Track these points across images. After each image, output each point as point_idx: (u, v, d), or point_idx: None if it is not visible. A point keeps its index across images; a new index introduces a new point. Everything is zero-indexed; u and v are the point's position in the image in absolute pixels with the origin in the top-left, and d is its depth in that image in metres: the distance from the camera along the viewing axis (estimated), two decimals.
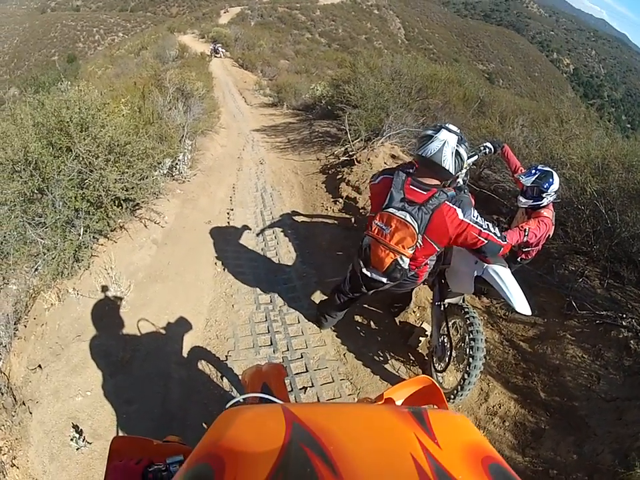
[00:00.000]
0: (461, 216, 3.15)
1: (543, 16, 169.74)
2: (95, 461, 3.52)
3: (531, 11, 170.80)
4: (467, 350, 3.84)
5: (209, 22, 60.52)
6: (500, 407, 4.17)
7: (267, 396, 1.69)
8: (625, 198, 5.47)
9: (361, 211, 7.39)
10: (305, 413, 0.93)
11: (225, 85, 23.31)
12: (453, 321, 4.29)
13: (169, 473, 1.36)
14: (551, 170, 4.44)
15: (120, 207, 5.57)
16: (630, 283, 5.33)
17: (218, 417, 0.97)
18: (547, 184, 4.35)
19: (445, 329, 4.21)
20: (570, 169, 6.05)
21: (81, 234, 5.03)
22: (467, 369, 3.77)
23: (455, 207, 3.15)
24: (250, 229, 7.17)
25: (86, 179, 5.09)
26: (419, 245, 3.31)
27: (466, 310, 4.00)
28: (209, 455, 0.82)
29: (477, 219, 3.19)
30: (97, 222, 5.23)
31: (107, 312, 4.88)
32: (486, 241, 3.22)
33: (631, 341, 4.48)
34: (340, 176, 8.86)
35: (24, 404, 3.75)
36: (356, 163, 8.91)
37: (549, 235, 4.66)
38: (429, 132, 3.17)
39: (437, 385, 1.60)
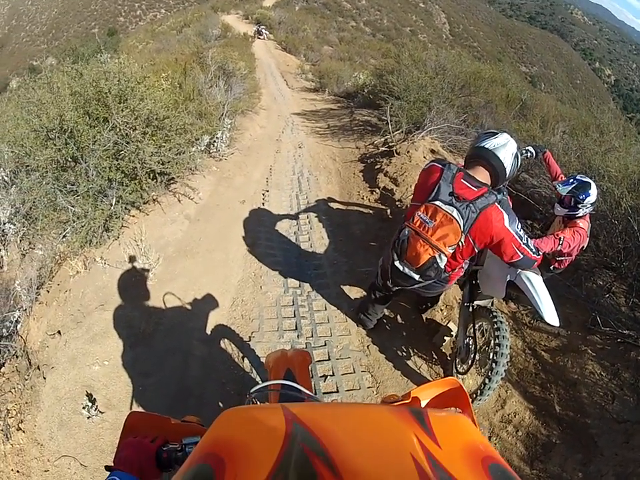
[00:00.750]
0: (506, 223, 3.06)
1: (586, 24, 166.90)
2: (106, 431, 3.53)
3: (575, 18, 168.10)
4: (491, 354, 3.78)
5: (254, 3, 60.32)
6: (515, 416, 4.12)
7: (290, 383, 1.69)
8: None
9: (397, 203, 7.27)
10: (305, 412, 0.93)
11: (267, 66, 23.25)
12: (479, 324, 4.21)
13: (184, 454, 1.36)
14: (589, 181, 4.32)
15: (154, 180, 5.65)
16: None
17: (218, 417, 0.95)
18: (583, 195, 4.25)
19: (472, 330, 4.14)
20: (607, 181, 5.93)
21: (113, 204, 5.07)
22: (489, 374, 3.71)
23: (503, 210, 3.06)
24: (284, 212, 7.14)
25: (122, 150, 5.13)
26: (460, 244, 3.20)
27: (494, 314, 3.92)
28: (209, 455, 0.81)
29: (520, 230, 3.13)
30: (130, 193, 5.27)
31: (132, 283, 4.90)
32: (522, 256, 3.17)
33: None
34: (378, 166, 8.75)
35: (38, 368, 3.80)
36: (395, 154, 8.78)
37: (583, 247, 4.57)
38: (492, 130, 3.19)
39: (464, 387, 1.55)
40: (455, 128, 9.37)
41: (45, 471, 3.27)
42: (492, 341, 3.83)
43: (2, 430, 3.32)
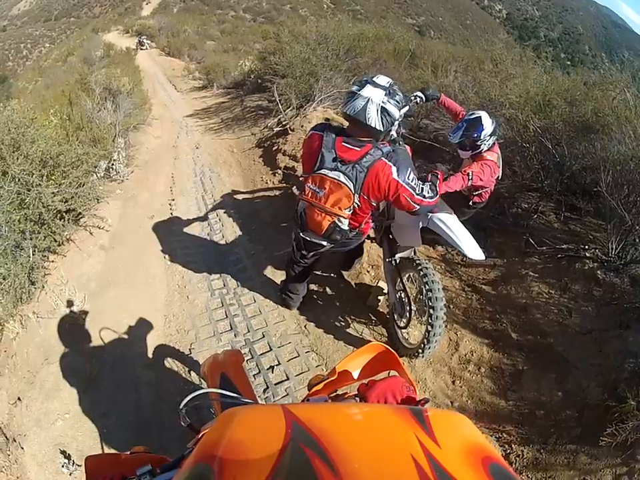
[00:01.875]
0: (394, 175, 3.11)
1: None
2: None
3: None
4: (426, 301, 3.80)
5: (132, 16, 59.60)
6: (472, 354, 4.20)
7: (218, 390, 1.69)
8: (571, 132, 5.52)
9: (300, 179, 7.30)
10: (305, 412, 0.91)
11: (154, 75, 22.97)
12: (407, 275, 4.25)
13: None
14: (478, 115, 4.37)
15: (62, 220, 5.48)
16: (588, 214, 5.42)
17: (218, 417, 0.98)
18: (476, 132, 4.32)
19: (400, 284, 4.20)
20: (509, 108, 6.07)
21: (31, 255, 4.93)
22: (430, 320, 3.75)
23: (390, 163, 3.10)
24: (194, 216, 7.11)
25: (25, 199, 5.00)
26: (356, 205, 3.29)
27: (417, 262, 3.97)
28: (208, 455, 0.80)
29: (411, 181, 3.17)
30: (43, 240, 5.14)
31: (67, 329, 4.79)
32: (417, 206, 3.27)
33: (598, 272, 4.54)
34: (276, 147, 8.86)
35: (14, 440, 3.69)
36: (290, 131, 8.91)
37: (498, 177, 4.68)
38: (354, 88, 3.09)
39: (391, 349, 1.60)
40: (345, 92, 9.26)
41: None
42: (423, 288, 3.84)
43: None
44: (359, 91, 3.02)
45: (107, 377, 4.28)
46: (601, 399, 3.46)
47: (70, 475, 3.50)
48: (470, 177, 4.35)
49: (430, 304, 3.73)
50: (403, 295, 4.18)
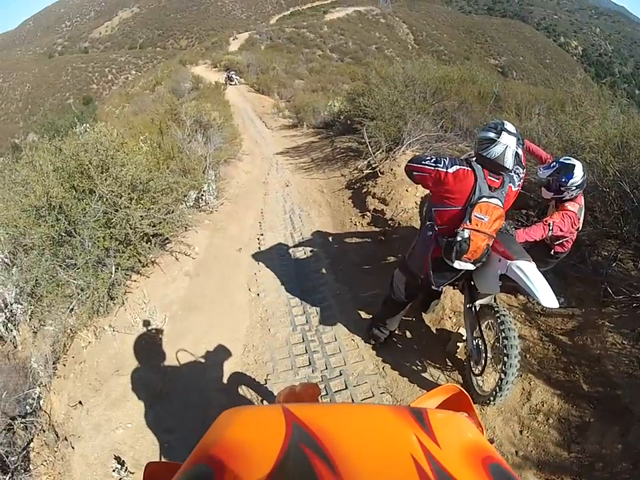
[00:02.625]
0: (513, 187, 3.69)
1: (544, 0, 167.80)
2: None
3: None
4: (502, 349, 3.78)
5: (219, 50, 60.85)
6: (543, 405, 4.08)
7: None
8: None
9: (389, 222, 7.36)
10: (304, 413, 0.93)
11: (244, 111, 23.52)
12: (485, 322, 4.23)
13: None
14: (574, 163, 4.36)
15: (149, 243, 5.68)
16: None
17: (217, 417, 0.98)
18: (565, 177, 4.32)
19: (479, 331, 4.18)
20: (589, 152, 5.93)
21: (113, 272, 5.11)
22: (503, 368, 3.73)
23: (510, 184, 3.64)
24: (281, 252, 7.21)
25: (112, 219, 5.19)
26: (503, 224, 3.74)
27: (496, 309, 3.96)
28: (208, 455, 0.82)
29: (517, 179, 3.78)
30: (127, 259, 5.31)
31: (143, 346, 4.94)
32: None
33: None
34: (365, 189, 8.89)
35: (66, 439, 3.83)
36: (379, 174, 8.92)
37: (579, 228, 4.65)
38: (491, 135, 3.45)
39: (464, 391, 1.57)
40: (434, 136, 9.44)
41: None
42: (500, 336, 3.83)
43: None
44: (498, 138, 3.41)
45: (178, 396, 4.39)
46: None
47: (119, 479, 3.59)
48: (550, 227, 4.38)
49: (505, 352, 3.71)
50: (480, 342, 4.16)
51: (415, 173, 3.78)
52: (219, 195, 8.71)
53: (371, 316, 5.31)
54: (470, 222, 3.46)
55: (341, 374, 4.68)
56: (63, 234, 4.97)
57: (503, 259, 3.68)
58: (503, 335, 3.75)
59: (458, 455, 0.84)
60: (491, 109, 11.29)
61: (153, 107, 21.40)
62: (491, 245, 3.62)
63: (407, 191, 7.67)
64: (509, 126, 3.45)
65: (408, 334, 5.15)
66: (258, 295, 6.03)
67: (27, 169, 5.38)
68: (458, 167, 3.53)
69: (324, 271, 6.64)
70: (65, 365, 4.45)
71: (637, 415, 3.70)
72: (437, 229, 3.78)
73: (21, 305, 4.69)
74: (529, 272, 3.50)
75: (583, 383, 4.17)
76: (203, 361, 4.86)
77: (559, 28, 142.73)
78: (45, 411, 4.00)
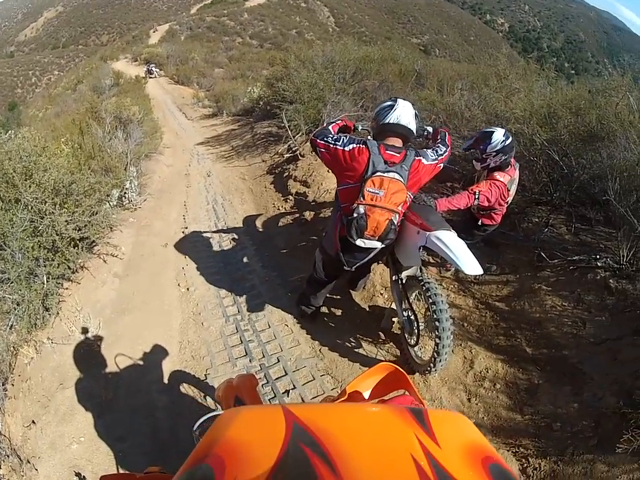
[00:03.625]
0: (425, 162, 3.59)
1: None
2: None
3: None
4: (432, 315, 3.83)
5: (140, 44, 60.00)
6: (487, 371, 4.18)
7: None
8: (577, 142, 5.57)
9: (312, 204, 7.46)
10: (304, 412, 0.92)
11: (164, 104, 23.21)
12: (413, 294, 4.33)
13: None
14: (491, 130, 4.48)
15: (76, 247, 5.56)
16: (598, 223, 5.41)
17: (218, 418, 0.96)
18: (482, 145, 4.45)
19: (407, 302, 4.25)
20: (515, 123, 6.11)
21: (45, 282, 5.01)
22: (437, 333, 3.77)
23: (421, 157, 3.57)
24: (207, 244, 7.17)
25: (39, 227, 5.09)
26: (407, 199, 3.63)
27: (420, 279, 4.03)
28: (208, 455, 0.80)
29: (433, 156, 3.68)
30: (57, 267, 5.20)
31: (82, 355, 4.83)
32: (442, 165, 3.81)
33: (610, 280, 4.56)
34: (287, 173, 8.93)
35: (28, 462, 3.74)
36: (300, 157, 8.99)
37: (508, 201, 4.78)
38: (388, 103, 3.62)
39: (400, 368, 1.60)
40: (354, 115, 9.40)
41: None
42: (427, 303, 3.90)
43: None
44: (395, 103, 3.56)
45: (122, 402, 4.32)
46: (617, 407, 3.44)
47: None
48: (477, 196, 4.46)
49: (435, 316, 3.77)
50: (410, 313, 4.24)
51: (318, 148, 3.80)
52: (141, 191, 8.67)
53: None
54: (364, 198, 3.51)
55: (278, 360, 4.69)
56: None
57: (422, 230, 3.73)
58: (431, 300, 3.81)
59: (458, 455, 0.84)
60: (412, 86, 11.39)
61: (75, 106, 21.04)
62: (396, 220, 3.62)
63: (328, 172, 7.68)
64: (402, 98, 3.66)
65: (341, 313, 5.22)
66: (188, 289, 5.98)
67: None
68: (354, 145, 3.56)
69: (251, 258, 6.65)
70: (13, 385, 4.33)
71: (588, 374, 3.85)
72: (341, 207, 3.84)
73: None
74: (449, 241, 3.55)
75: (525, 346, 4.34)
76: (141, 363, 4.81)
77: (485, 6, 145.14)
78: (5, 435, 3.89)
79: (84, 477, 3.68)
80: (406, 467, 0.76)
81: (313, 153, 4.11)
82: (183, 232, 7.63)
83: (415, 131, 3.65)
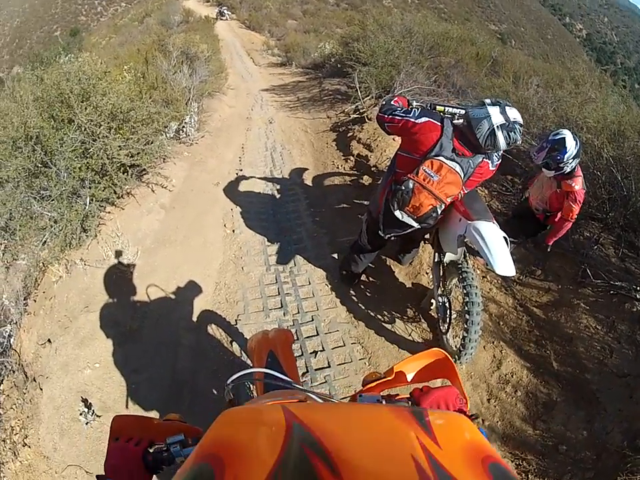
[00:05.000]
0: (490, 166, 3.46)
1: None
2: (105, 435, 3.42)
3: None
4: (464, 306, 3.77)
5: None
6: (512, 376, 4.09)
7: (269, 371, 1.67)
8: None
9: (372, 169, 7.23)
10: (305, 412, 0.93)
11: (232, 46, 23.01)
12: (453, 279, 4.22)
13: (170, 454, 1.34)
14: (562, 136, 4.22)
15: (126, 174, 5.55)
16: None
17: (218, 417, 0.95)
18: (559, 155, 4.19)
19: (445, 288, 4.21)
20: (586, 132, 5.89)
21: (87, 204, 5.00)
22: (465, 326, 3.74)
23: (488, 160, 3.43)
24: (260, 190, 7.06)
25: (89, 149, 5.06)
26: (460, 195, 3.55)
27: (460, 266, 3.92)
28: (208, 455, 0.80)
29: (497, 159, 3.50)
30: (102, 190, 5.19)
31: (114, 281, 4.82)
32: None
33: None
34: (351, 134, 8.66)
35: (34, 380, 3.76)
36: (367, 120, 8.72)
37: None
38: (489, 107, 3.25)
39: (450, 358, 1.59)
40: (426, 89, 9.23)
41: None
42: (462, 292, 3.82)
43: (10, 448, 3.30)
44: (490, 112, 3.21)
45: (147, 334, 4.32)
46: (621, 446, 3.38)
47: (86, 424, 3.55)
48: (573, 218, 4.47)
49: (466, 308, 3.70)
50: (445, 300, 4.16)
51: (385, 124, 3.70)
52: (200, 128, 8.54)
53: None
54: (417, 174, 3.40)
55: (312, 319, 4.63)
56: (39, 165, 4.84)
57: (463, 219, 3.65)
58: (465, 291, 3.74)
59: (458, 455, 0.82)
60: (487, 71, 11.13)
61: (140, 38, 20.99)
62: (440, 209, 3.52)
63: (393, 139, 7.45)
64: (512, 112, 3.24)
65: (383, 285, 5.08)
66: (233, 231, 5.91)
67: (7, 100, 5.30)
68: (427, 118, 3.43)
69: (302, 211, 6.53)
70: (35, 301, 4.35)
71: (603, 404, 3.74)
72: (395, 172, 3.74)
73: None
74: (487, 234, 3.44)
75: (553, 360, 4.20)
76: (173, 297, 4.78)
77: (565, 8, 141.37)
78: (15, 350, 3.91)
79: (90, 404, 3.68)
80: (406, 467, 0.75)
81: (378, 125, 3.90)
82: (236, 173, 7.55)
83: (484, 149, 3.33)
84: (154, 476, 1.37)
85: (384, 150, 7.38)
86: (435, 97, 9.07)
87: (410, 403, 1.40)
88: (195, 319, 4.55)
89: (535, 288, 4.96)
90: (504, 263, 3.30)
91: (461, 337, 3.85)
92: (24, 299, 4.27)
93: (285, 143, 9.17)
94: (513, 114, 3.21)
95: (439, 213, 3.53)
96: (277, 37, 26.51)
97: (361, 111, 9.19)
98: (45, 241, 4.69)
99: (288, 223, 6.24)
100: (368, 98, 9.33)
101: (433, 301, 4.65)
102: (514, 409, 3.83)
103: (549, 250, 4.79)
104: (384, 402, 1.38)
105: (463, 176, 3.35)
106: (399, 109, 3.58)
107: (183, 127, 7.86)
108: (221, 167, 7.72)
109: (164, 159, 6.74)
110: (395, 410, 0.98)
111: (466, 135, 3.31)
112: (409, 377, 1.59)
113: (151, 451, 1.36)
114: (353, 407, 1.22)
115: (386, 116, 3.63)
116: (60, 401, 3.66)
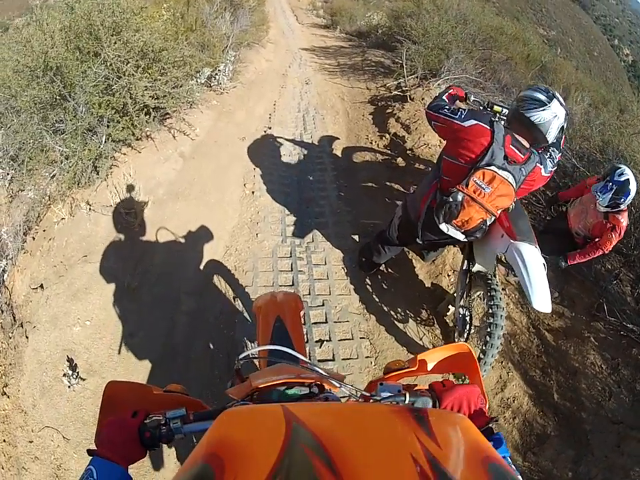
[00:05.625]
0: (543, 172, 3.16)
1: (610, 1, 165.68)
2: (87, 400, 3.34)
3: None
4: (486, 327, 3.55)
5: None
6: (514, 401, 3.99)
7: (282, 348, 1.55)
8: None
9: (408, 151, 6.76)
10: (304, 413, 0.92)
11: (278, 1, 22.65)
12: (477, 292, 4.00)
13: (169, 430, 1.25)
14: (627, 177, 4.14)
15: (148, 116, 5.34)
16: None
17: (218, 417, 0.93)
18: (623, 197, 4.14)
19: (468, 299, 3.94)
20: (633, 166, 5.63)
21: (102, 142, 4.79)
22: (484, 348, 3.54)
23: (541, 166, 3.13)
24: (287, 152, 6.80)
25: (112, 86, 4.90)
26: (512, 206, 3.29)
27: (489, 281, 3.67)
28: (208, 455, 0.79)
29: (552, 164, 3.27)
30: (120, 130, 4.97)
31: (119, 231, 4.58)
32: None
33: None
34: (390, 110, 8.23)
35: (22, 326, 3.62)
36: (409, 100, 8.33)
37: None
38: (541, 96, 2.95)
39: (473, 353, 1.61)
40: (473, 80, 8.89)
41: (30, 441, 3.10)
42: (487, 312, 3.60)
43: None
44: (548, 102, 2.93)
45: (146, 294, 4.11)
46: None
47: (69, 387, 3.36)
48: (608, 251, 4.40)
49: (488, 330, 3.50)
50: (466, 312, 3.93)
51: (432, 122, 3.40)
52: (233, 78, 8.24)
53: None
54: (467, 186, 3.09)
55: (323, 304, 4.36)
56: (57, 97, 4.68)
57: (506, 235, 3.38)
58: (490, 311, 3.53)
59: (458, 455, 0.83)
60: (534, 75, 10.75)
61: None
62: (489, 222, 3.32)
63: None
64: (560, 97, 2.98)
65: (401, 279, 4.80)
66: (253, 193, 5.61)
67: (33, 27, 5.02)
68: (475, 121, 3.09)
69: (328, 183, 6.16)
70: (34, 239, 4.18)
71: (592, 447, 3.69)
72: (440, 177, 3.41)
73: (2, 169, 4.48)
74: (530, 260, 3.17)
75: (555, 391, 4.09)
76: (179, 256, 4.55)
77: (616, 31, 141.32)
78: (7, 288, 3.79)
79: (75, 364, 3.51)
80: (406, 467, 0.75)
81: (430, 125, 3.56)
82: (264, 131, 7.27)
83: (549, 142, 3.10)
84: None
85: (422, 134, 6.98)
86: (482, 91, 8.78)
87: (430, 395, 1.35)
88: (198, 282, 4.33)
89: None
90: (542, 298, 3.07)
91: (476, 356, 3.53)
92: (23, 234, 4.13)
93: (319, 107, 8.80)
94: (563, 101, 3.00)
95: (487, 225, 3.36)
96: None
97: (404, 88, 8.85)
98: (54, 176, 4.55)
99: (311, 193, 5.91)
100: (412, 77, 9.00)
101: (450, 307, 4.44)
102: (509, 436, 3.75)
103: (562, 267, 4.65)
104: (406, 393, 1.33)
105: (515, 186, 3.06)
106: (447, 107, 3.25)
107: (216, 74, 7.59)
108: (249, 122, 7.42)
109: (191, 104, 6.43)
110: (395, 410, 1.00)
111: (527, 128, 3.02)
112: (430, 366, 1.61)
113: (148, 423, 1.25)
114: (353, 407, 1.20)
115: (432, 112, 3.32)
116: (44, 356, 3.48)
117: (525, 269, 3.10)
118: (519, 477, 0.86)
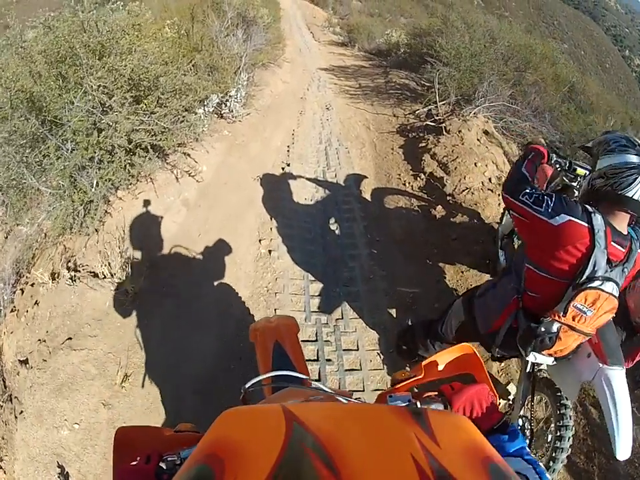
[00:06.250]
0: None
1: (619, 12, 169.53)
2: None
3: (608, 3, 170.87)
4: (551, 444, 2.97)
5: None
6: None
7: (283, 372, 1.63)
8: None
9: (447, 197, 6.07)
10: (304, 413, 0.87)
11: (293, 17, 22.54)
12: (539, 396, 3.40)
13: None
14: None
15: (144, 158, 4.75)
16: None
17: (217, 418, 0.87)
18: None
19: (528, 407, 3.22)
20: None
21: (94, 186, 4.35)
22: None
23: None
24: (309, 195, 6.14)
25: (97, 123, 4.38)
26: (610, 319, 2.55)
27: (559, 395, 3.02)
28: (208, 455, 0.77)
29: None
30: (113, 173, 4.47)
31: (107, 309, 4.00)
32: None
33: None
34: (423, 144, 7.53)
35: (10, 400, 3.44)
36: (444, 132, 7.59)
37: None
38: (634, 158, 2.26)
39: (477, 354, 1.61)
40: (511, 108, 8.31)
41: None
42: (552, 428, 3.05)
43: None
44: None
45: (140, 395, 3.57)
46: None
47: None
48: None
49: (553, 454, 2.90)
50: (527, 425, 3.23)
51: (511, 211, 2.61)
52: (247, 103, 7.63)
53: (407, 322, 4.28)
54: (565, 314, 2.37)
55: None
56: (36, 134, 4.21)
57: (594, 356, 2.76)
58: (558, 434, 2.92)
59: (458, 455, 0.79)
60: (563, 96, 10.28)
61: None
62: (584, 342, 2.65)
63: (475, 165, 6.38)
64: None
65: None
66: (270, 252, 4.94)
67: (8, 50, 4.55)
68: (568, 217, 2.28)
69: (358, 238, 5.42)
70: (22, 292, 4.02)
71: None
72: (523, 291, 2.65)
73: None
74: (621, 397, 2.60)
75: (596, 476, 3.56)
76: (180, 340, 3.91)
77: (627, 41, 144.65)
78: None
79: (67, 473, 3.12)
80: (406, 467, 0.74)
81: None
82: (282, 168, 6.67)
83: None
84: None
85: (463, 176, 6.26)
86: (517, 119, 8.28)
87: (441, 400, 1.35)
88: (205, 379, 3.71)
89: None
90: (626, 447, 2.52)
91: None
92: (12, 285, 4.05)
93: (343, 138, 8.13)
94: None
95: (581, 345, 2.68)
96: (340, 16, 26.47)
97: (436, 117, 8.18)
98: (40, 222, 4.41)
99: (338, 251, 5.20)
100: (444, 102, 8.36)
101: (501, 401, 3.86)
102: None
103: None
104: (417, 402, 1.33)
105: (617, 294, 2.35)
106: (529, 189, 2.43)
107: (227, 100, 6.94)
108: (265, 156, 6.82)
109: (197, 138, 5.75)
110: (395, 410, 0.97)
111: (617, 211, 2.33)
112: (440, 368, 1.63)
113: (164, 465, 1.19)
114: (353, 407, 1.11)
115: (513, 200, 2.48)
116: (34, 452, 3.18)
117: (614, 408, 2.57)
118: (531, 471, 1.00)
